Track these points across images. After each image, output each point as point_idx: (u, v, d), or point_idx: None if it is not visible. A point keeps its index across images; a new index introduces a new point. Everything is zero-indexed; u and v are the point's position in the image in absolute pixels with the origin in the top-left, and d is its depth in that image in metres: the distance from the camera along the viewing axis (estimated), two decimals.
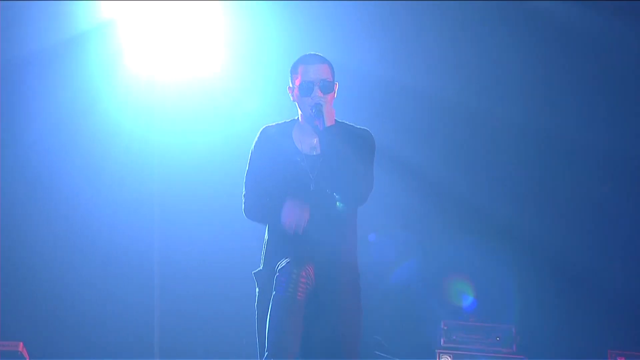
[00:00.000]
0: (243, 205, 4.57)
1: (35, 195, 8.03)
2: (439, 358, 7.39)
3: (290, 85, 4.60)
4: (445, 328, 7.39)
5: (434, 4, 7.72)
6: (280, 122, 4.67)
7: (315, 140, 4.49)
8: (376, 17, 7.82)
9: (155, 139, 8.21)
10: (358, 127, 4.60)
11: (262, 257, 4.52)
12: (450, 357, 7.37)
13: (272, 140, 4.57)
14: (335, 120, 4.48)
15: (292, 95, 4.60)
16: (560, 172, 7.75)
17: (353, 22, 7.78)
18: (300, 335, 4.23)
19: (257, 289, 4.49)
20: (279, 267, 4.32)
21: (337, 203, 4.35)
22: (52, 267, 8.02)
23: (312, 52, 4.61)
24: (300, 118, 4.61)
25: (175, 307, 8.09)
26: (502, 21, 7.69)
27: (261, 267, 4.49)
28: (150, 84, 8.13)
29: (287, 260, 4.30)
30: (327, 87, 4.48)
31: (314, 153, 4.51)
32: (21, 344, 7.34)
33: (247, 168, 4.60)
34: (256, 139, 4.62)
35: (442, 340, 7.43)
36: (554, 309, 7.69)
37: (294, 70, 4.57)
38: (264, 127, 4.64)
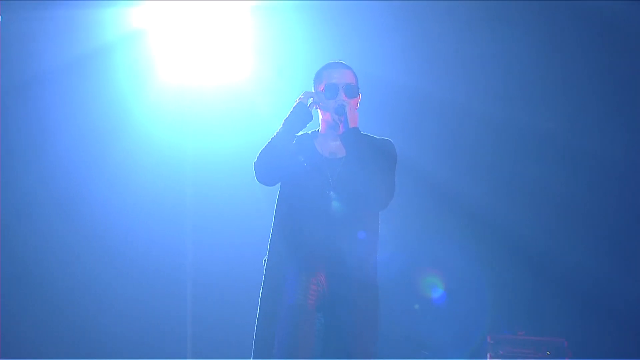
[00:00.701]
0: (254, 172, 4.44)
1: (68, 207, 8.06)
2: None
3: (316, 90, 4.56)
4: (492, 342, 7.04)
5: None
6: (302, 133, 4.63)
7: (336, 145, 4.45)
8: (405, 21, 7.83)
9: (188, 146, 8.20)
10: (379, 137, 4.53)
11: (268, 244, 4.42)
12: None
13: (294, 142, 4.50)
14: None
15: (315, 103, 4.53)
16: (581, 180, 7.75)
17: (384, 26, 7.79)
18: (312, 343, 4.16)
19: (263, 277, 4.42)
20: (286, 274, 4.27)
21: (334, 202, 4.27)
22: (86, 273, 8.08)
23: (336, 61, 4.60)
24: (321, 128, 4.56)
25: (208, 310, 8.12)
26: (525, 24, 7.70)
27: (267, 256, 4.41)
28: (181, 91, 8.09)
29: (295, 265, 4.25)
30: (351, 91, 4.45)
31: (334, 157, 4.44)
32: None
33: None
34: None
35: (488, 355, 7.07)
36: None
37: (317, 77, 4.55)
38: None
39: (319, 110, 4.51)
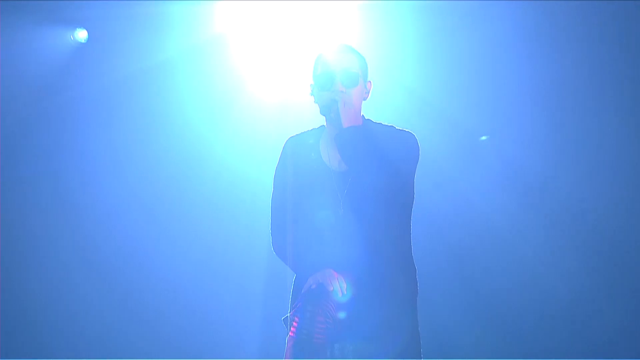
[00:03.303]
0: (270, 238, 4.12)
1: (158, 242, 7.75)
2: None
3: (312, 82, 4.10)
4: None
5: None
6: (309, 129, 4.18)
7: None
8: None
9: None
10: (399, 129, 4.05)
11: (290, 300, 4.03)
12: None
13: (295, 156, 4.07)
14: (364, 119, 4.02)
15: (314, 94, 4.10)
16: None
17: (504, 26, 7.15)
18: None
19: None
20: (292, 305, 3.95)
21: (345, 223, 3.88)
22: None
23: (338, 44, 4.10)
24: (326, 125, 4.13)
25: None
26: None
27: (289, 314, 3.98)
28: (278, 108, 7.35)
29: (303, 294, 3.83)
30: (349, 80, 3.92)
31: (344, 168, 3.97)
32: None
33: (272, 191, 4.14)
34: (280, 154, 4.15)
35: None
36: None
37: (314, 66, 4.06)
38: (288, 138, 4.17)
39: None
